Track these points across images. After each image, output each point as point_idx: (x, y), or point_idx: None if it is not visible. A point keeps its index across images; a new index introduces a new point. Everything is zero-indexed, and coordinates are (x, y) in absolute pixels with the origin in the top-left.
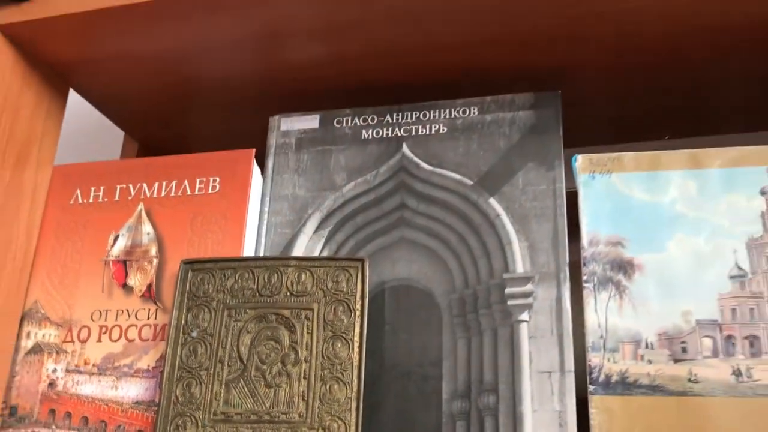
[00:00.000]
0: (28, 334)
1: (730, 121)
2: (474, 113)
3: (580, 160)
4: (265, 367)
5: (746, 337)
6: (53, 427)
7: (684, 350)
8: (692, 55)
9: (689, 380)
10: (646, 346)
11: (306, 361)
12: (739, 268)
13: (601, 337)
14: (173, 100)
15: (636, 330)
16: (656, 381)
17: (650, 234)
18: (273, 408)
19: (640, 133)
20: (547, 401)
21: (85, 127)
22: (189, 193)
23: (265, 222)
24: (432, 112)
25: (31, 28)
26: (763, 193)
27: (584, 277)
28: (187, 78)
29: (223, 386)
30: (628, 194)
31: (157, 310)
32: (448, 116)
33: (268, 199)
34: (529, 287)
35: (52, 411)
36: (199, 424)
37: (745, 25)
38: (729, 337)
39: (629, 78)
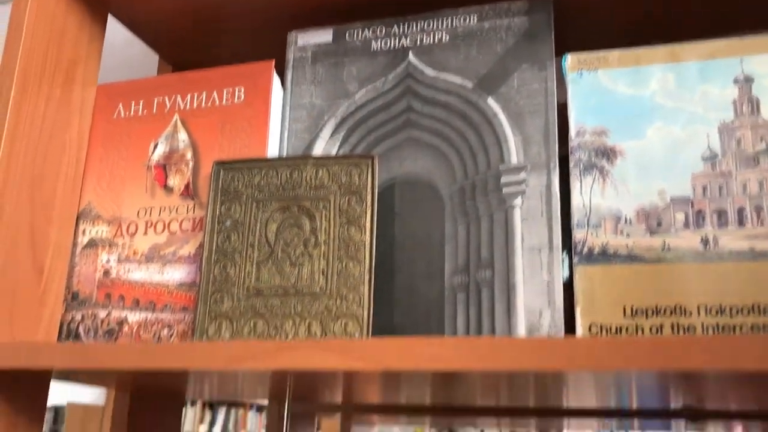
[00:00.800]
0: (84, 231)
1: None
2: (473, 21)
3: (569, 59)
4: (289, 249)
5: (715, 211)
6: (109, 308)
7: (659, 224)
8: None
9: (662, 249)
10: (625, 222)
11: (325, 244)
12: (711, 151)
13: (586, 215)
14: (201, 23)
15: (617, 208)
16: (633, 251)
17: (631, 124)
18: (297, 283)
19: (636, 39)
20: (537, 273)
21: (124, 51)
22: (218, 103)
23: (286, 129)
24: (435, 21)
25: None
26: (735, 81)
27: (571, 164)
28: (212, 1)
29: (254, 266)
30: (613, 89)
31: (194, 205)
32: (449, 25)
33: (288, 108)
34: (522, 176)
35: (108, 295)
36: (235, 298)
37: None
38: (699, 211)
39: None
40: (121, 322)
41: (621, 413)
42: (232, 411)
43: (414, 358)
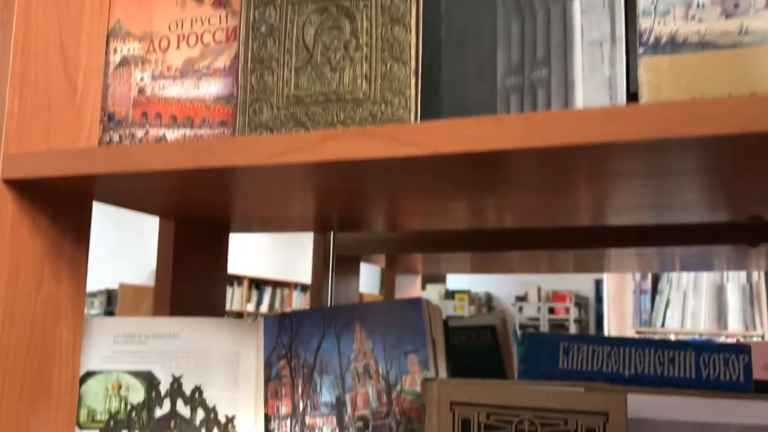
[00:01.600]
0: (115, 50)
1: None
2: None
3: None
4: (329, 53)
5: None
6: (146, 126)
7: (736, 6)
8: None
9: (740, 33)
10: (698, 6)
11: (366, 46)
12: None
13: (653, 2)
14: None
15: None
16: (706, 38)
17: None
18: (339, 88)
19: None
20: (598, 68)
21: None
22: None
23: None
24: None
25: None
26: None
27: None
28: None
29: (293, 73)
30: None
31: (227, 14)
32: None
33: None
34: None
35: (144, 113)
36: (274, 107)
37: None
38: None
39: None
40: (159, 140)
41: (673, 235)
42: (278, 290)
43: (465, 140)
